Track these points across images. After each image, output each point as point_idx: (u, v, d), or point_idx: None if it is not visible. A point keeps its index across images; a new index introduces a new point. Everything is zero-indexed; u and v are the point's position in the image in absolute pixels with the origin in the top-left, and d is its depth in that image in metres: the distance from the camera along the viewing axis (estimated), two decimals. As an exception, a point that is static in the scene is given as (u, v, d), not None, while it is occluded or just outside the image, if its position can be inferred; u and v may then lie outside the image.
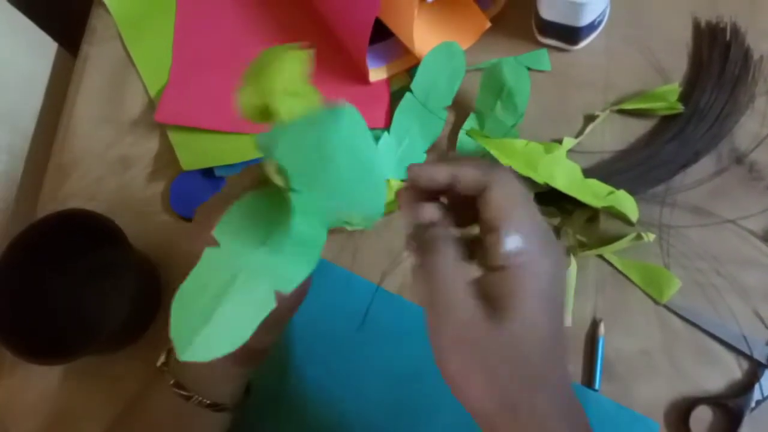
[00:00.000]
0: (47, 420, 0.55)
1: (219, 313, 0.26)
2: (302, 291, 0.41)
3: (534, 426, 0.29)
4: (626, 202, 0.51)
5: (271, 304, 0.26)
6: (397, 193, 0.32)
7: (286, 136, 0.28)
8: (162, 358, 0.43)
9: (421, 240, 0.32)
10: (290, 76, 0.30)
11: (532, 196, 0.32)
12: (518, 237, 0.29)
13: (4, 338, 0.50)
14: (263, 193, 0.29)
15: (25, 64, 0.68)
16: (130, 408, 0.44)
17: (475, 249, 0.33)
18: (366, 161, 0.29)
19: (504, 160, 0.52)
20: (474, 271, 0.31)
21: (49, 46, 0.72)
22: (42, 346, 0.52)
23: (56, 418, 0.55)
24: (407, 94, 0.57)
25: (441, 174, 0.32)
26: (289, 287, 0.27)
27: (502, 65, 0.56)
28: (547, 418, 0.29)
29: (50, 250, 0.54)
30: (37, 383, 0.56)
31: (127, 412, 0.44)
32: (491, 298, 0.29)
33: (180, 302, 0.26)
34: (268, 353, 0.45)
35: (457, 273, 0.31)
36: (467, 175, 0.31)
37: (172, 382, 0.41)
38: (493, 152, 0.52)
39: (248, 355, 0.39)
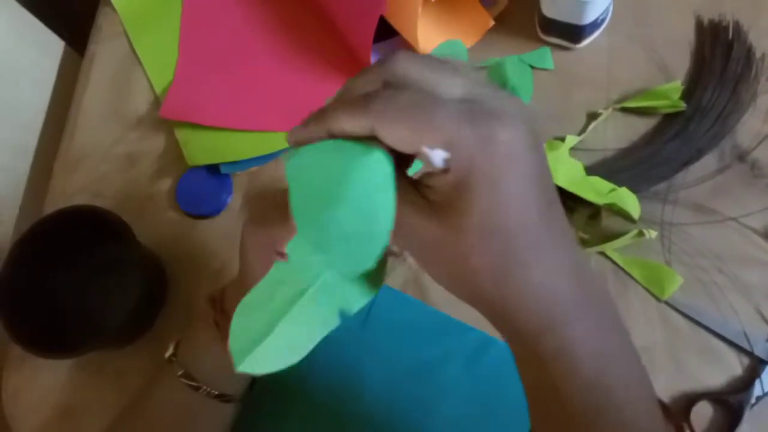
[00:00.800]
0: (53, 415, 0.55)
1: (281, 326, 0.26)
2: None
3: (537, 310, 0.26)
4: (628, 200, 0.52)
5: (335, 323, 0.26)
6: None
7: (305, 157, 0.25)
8: (170, 350, 0.43)
9: None
10: None
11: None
12: (440, 151, 0.24)
13: (12, 332, 0.50)
14: None
15: (33, 63, 0.69)
16: (137, 399, 0.45)
17: None
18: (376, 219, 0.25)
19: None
20: None
21: (56, 45, 0.72)
22: (49, 340, 0.52)
23: (62, 413, 0.55)
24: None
25: (315, 134, 0.26)
26: (352, 309, 0.26)
27: (505, 63, 0.56)
28: (544, 300, 0.26)
29: (57, 246, 0.55)
30: (43, 379, 0.56)
31: (134, 403, 0.45)
32: (440, 197, 0.26)
33: (243, 312, 0.26)
34: None
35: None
36: (345, 127, 0.25)
37: (180, 373, 0.42)
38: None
39: None
